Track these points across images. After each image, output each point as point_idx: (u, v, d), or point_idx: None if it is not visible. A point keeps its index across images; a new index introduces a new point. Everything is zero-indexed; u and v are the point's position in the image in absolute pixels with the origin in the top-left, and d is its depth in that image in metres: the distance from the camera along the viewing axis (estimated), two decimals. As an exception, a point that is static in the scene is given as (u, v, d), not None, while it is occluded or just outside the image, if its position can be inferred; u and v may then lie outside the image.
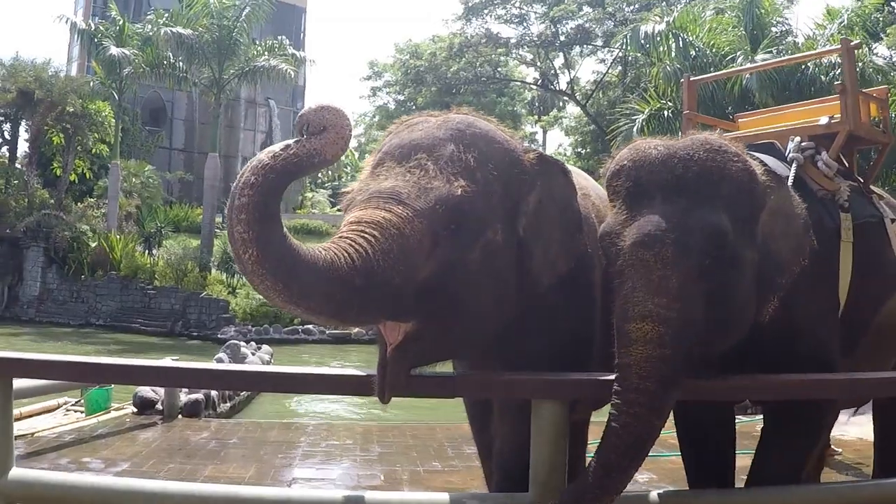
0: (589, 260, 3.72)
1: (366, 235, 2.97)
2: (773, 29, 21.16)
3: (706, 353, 3.36)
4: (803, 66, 18.39)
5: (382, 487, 6.36)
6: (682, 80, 6.18)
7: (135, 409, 9.36)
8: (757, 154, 4.05)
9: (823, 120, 4.80)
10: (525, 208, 3.46)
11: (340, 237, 3.01)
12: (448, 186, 3.16)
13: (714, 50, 20.44)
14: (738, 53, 19.71)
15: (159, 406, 9.35)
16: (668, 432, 7.56)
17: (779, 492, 3.96)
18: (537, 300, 3.50)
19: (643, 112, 20.92)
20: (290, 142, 2.89)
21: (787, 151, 4.43)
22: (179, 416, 9.30)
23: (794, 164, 4.28)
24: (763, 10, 20.80)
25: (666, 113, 20.57)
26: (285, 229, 2.90)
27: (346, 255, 2.92)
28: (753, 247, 3.41)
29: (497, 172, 3.33)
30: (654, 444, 3.25)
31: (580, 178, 4.14)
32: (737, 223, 3.32)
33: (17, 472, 3.69)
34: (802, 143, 4.50)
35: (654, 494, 3.73)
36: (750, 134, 5.13)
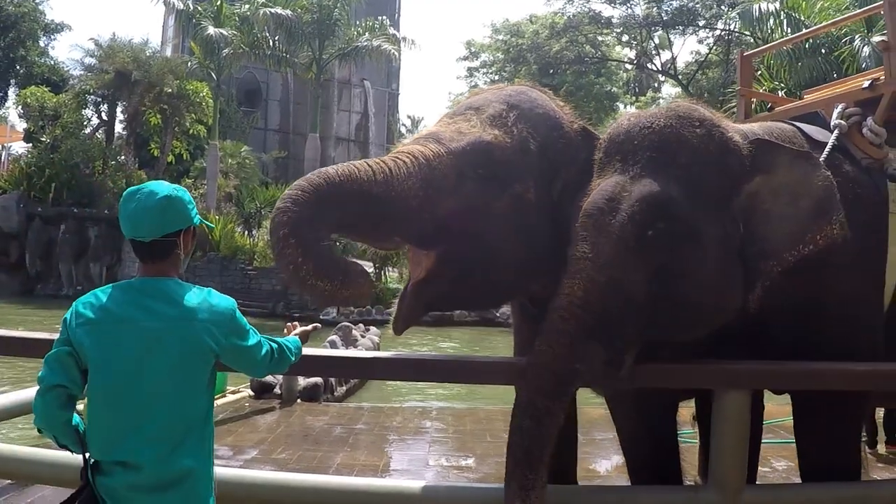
0: None
1: (395, 159, 3.40)
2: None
3: (680, 334, 3.40)
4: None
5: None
6: (736, 55, 5.88)
7: (252, 393, 9.14)
8: (797, 123, 3.99)
9: (866, 83, 4.49)
10: (565, 175, 3.67)
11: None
12: (481, 133, 3.54)
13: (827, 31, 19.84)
14: (856, 35, 18.98)
15: (277, 390, 9.10)
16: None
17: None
18: None
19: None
20: None
21: (832, 119, 4.19)
22: (298, 401, 9.08)
23: (835, 132, 4.09)
24: (877, -12, 20.01)
25: (780, 93, 20.16)
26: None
27: (366, 167, 3.31)
28: (725, 224, 3.32)
29: (534, 132, 3.64)
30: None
31: None
32: (697, 196, 3.18)
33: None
34: (847, 110, 4.23)
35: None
36: (796, 105, 4.98)
